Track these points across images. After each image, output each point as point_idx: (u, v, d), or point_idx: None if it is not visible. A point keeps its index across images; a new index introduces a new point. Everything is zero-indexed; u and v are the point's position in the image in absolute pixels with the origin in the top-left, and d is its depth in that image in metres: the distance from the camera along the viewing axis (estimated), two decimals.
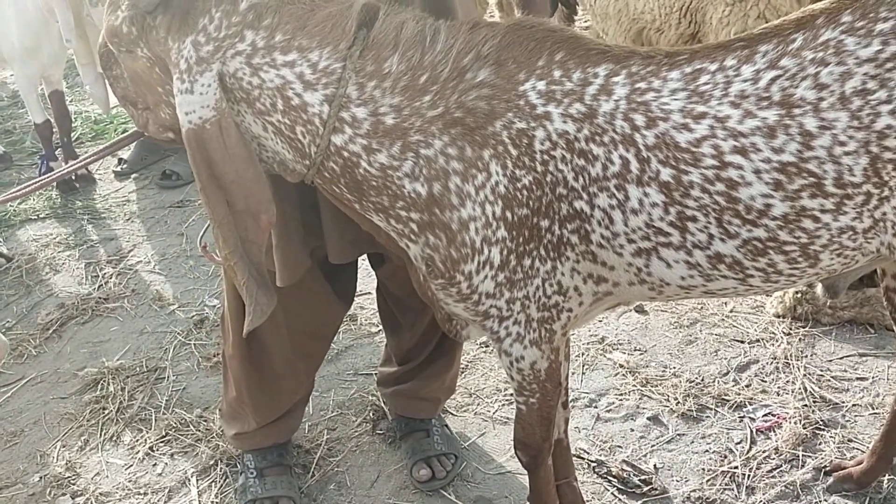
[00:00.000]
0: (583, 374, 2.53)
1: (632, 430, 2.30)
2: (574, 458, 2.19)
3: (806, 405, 2.31)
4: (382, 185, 1.48)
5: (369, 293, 2.72)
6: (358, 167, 1.48)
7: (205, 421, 2.45)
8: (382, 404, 2.43)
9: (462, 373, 2.59)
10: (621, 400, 2.41)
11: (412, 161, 1.45)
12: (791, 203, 1.42)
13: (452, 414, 2.44)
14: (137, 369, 2.70)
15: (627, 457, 2.20)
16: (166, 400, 2.55)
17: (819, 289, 2.41)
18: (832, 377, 2.41)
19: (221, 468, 2.28)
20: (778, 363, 2.49)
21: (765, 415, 2.30)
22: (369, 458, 2.30)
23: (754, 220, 1.44)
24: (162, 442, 2.39)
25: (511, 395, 2.46)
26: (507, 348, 1.61)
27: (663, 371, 2.51)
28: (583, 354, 2.60)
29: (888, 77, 1.36)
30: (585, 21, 5.45)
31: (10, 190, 4.02)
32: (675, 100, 1.44)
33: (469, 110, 1.43)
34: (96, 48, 1.81)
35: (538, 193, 1.47)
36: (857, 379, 2.40)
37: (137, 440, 2.41)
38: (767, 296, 2.70)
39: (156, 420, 2.47)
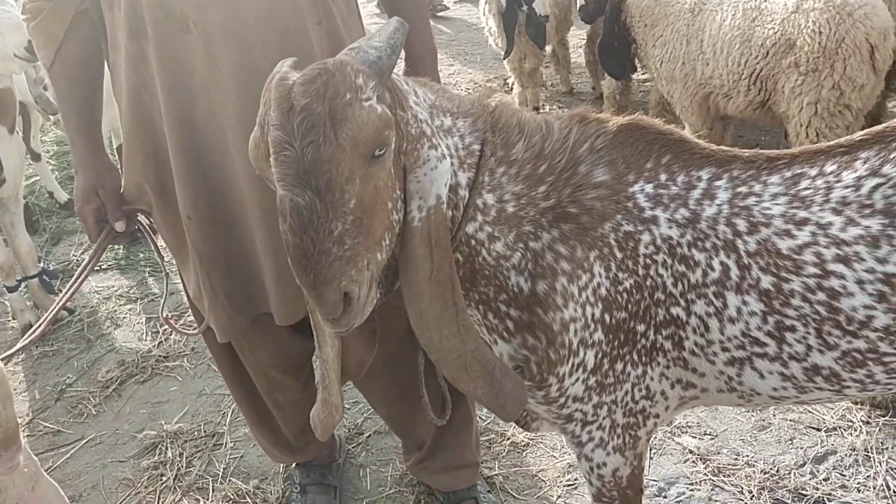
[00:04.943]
0: (651, 459, 2.44)
1: None
2: None
3: None
4: (493, 275, 1.43)
5: None
6: (479, 255, 1.42)
7: (262, 492, 2.41)
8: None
9: (523, 451, 2.53)
10: (692, 490, 2.31)
11: (521, 252, 1.41)
12: (894, 315, 1.35)
13: (514, 496, 2.36)
14: (196, 434, 2.68)
15: None
16: (224, 468, 2.53)
17: None
18: None
19: None
20: (857, 455, 2.37)
21: None
22: None
23: (855, 331, 1.37)
24: None
25: (577, 478, 2.38)
26: (589, 453, 1.55)
27: (736, 459, 2.40)
28: (650, 438, 2.50)
29: None
30: (644, 73, 5.41)
31: (73, 237, 4.10)
32: (777, 204, 1.39)
33: (586, 209, 1.40)
34: None
35: (637, 297, 1.42)
36: None
37: None
38: None
39: (213, 490, 2.45)
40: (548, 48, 5.57)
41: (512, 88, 5.47)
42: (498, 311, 1.45)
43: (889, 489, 2.23)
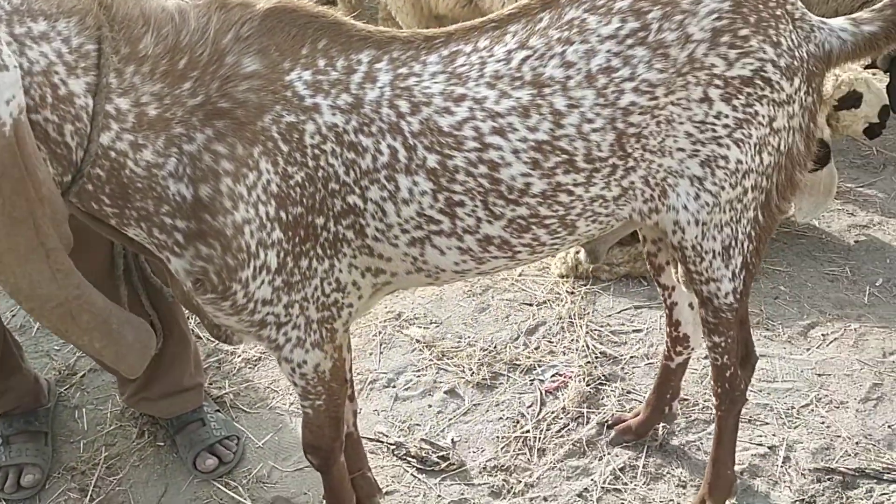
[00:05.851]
0: (380, 353, 2.50)
1: (429, 405, 2.31)
2: (374, 443, 2.17)
3: (589, 362, 2.42)
4: (148, 187, 1.32)
5: None
6: (124, 168, 1.29)
7: None
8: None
9: (255, 366, 2.48)
10: (419, 376, 2.41)
11: (175, 158, 1.31)
12: (548, 180, 1.45)
13: (245, 411, 2.32)
14: None
15: (426, 434, 2.20)
16: None
17: (582, 255, 2.53)
18: (611, 332, 2.54)
19: None
20: (563, 323, 2.59)
21: (552, 376, 2.39)
22: (155, 472, 2.14)
23: (517, 199, 1.45)
24: None
25: None
26: (288, 355, 1.53)
27: (459, 342, 2.53)
28: (380, 333, 2.56)
29: (630, 55, 1.40)
30: None
31: None
32: (436, 83, 1.41)
33: (239, 102, 1.31)
34: None
35: (311, 190, 1.39)
36: (634, 331, 2.55)
37: None
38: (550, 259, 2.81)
39: None
40: None
41: None
42: (163, 225, 1.36)
43: (588, 348, 2.47)
